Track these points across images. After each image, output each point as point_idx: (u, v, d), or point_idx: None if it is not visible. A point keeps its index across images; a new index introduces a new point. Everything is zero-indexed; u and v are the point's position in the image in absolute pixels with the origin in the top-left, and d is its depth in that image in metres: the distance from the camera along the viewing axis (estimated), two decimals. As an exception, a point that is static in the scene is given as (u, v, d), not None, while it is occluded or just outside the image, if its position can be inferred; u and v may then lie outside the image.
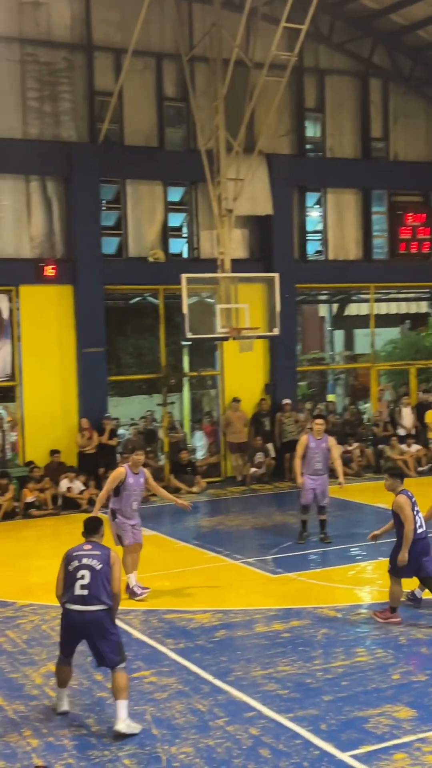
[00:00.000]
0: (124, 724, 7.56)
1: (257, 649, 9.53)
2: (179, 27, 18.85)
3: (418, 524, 10.02)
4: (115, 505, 11.55)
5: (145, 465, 18.78)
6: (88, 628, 7.76)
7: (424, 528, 10.12)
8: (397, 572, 10.08)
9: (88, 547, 8.08)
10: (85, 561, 7.89)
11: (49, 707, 8.21)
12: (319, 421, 14.24)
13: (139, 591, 11.38)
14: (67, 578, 7.92)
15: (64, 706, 8.09)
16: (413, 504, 10.05)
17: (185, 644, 9.72)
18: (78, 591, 7.77)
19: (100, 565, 7.86)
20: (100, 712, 8.08)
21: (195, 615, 10.69)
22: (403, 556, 9.88)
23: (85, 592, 7.75)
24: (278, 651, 9.40)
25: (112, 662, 7.76)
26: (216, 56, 18.09)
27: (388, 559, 10.24)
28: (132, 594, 11.29)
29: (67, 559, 8.03)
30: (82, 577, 7.80)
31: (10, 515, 16.87)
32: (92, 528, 8.28)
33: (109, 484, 11.54)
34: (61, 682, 8.14)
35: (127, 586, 11.21)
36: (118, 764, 7.12)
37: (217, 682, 8.63)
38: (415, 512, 10.03)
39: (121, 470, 11.52)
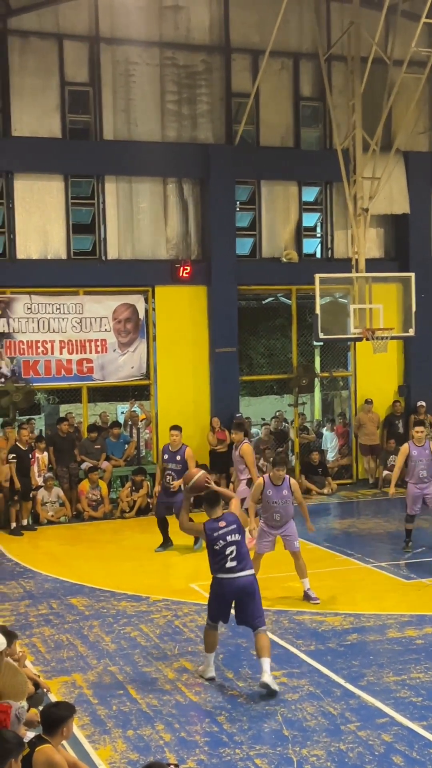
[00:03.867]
0: (269, 676, 8.33)
1: (390, 655, 9.40)
2: (317, 26, 18.75)
3: None
4: (260, 511, 11.71)
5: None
6: (240, 591, 8.67)
7: None
8: None
9: (223, 524, 8.82)
10: (228, 538, 8.72)
11: (182, 702, 8.33)
12: (419, 428, 13.71)
13: (312, 595, 11.32)
14: (217, 555, 8.73)
15: (211, 672, 8.86)
16: None
17: (316, 646, 9.68)
18: (229, 564, 8.68)
19: (239, 535, 8.77)
20: (231, 709, 8.13)
21: (326, 617, 10.63)
22: None
23: (235, 563, 8.68)
24: (411, 657, 9.24)
25: (260, 622, 8.67)
26: (354, 54, 17.91)
27: None
28: (306, 598, 11.31)
29: (209, 536, 8.77)
30: (231, 553, 8.70)
31: (144, 511, 17.19)
32: (214, 502, 9.00)
33: (252, 493, 11.85)
34: (210, 647, 8.91)
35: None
36: (249, 763, 7.15)
37: (349, 686, 8.56)
38: None
39: (260, 481, 11.63)
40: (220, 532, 8.74)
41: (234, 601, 8.74)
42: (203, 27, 19.10)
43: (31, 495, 16.38)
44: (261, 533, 11.55)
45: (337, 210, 20.12)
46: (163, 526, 14.36)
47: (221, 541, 8.69)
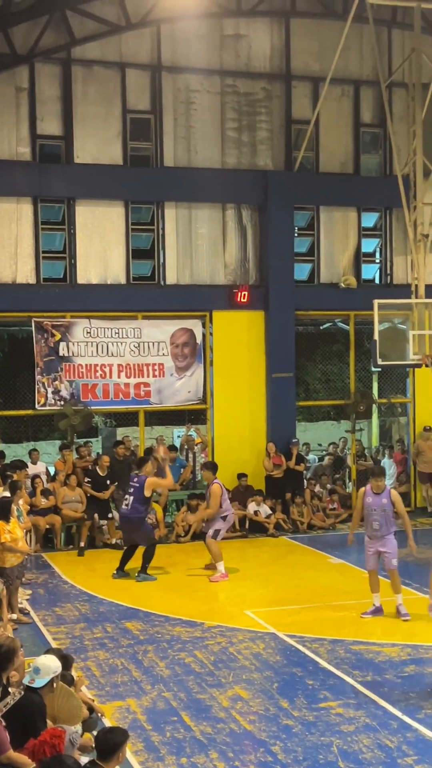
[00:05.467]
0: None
1: (448, 689, 9.22)
2: (378, 53, 18.78)
3: None
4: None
5: (332, 492, 18.85)
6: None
7: None
8: None
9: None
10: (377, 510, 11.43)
11: (237, 731, 8.25)
12: None
13: (403, 611, 11.67)
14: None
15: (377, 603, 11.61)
16: None
17: (373, 677, 9.54)
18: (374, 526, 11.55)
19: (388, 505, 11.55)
20: (286, 739, 8.03)
21: (383, 648, 10.48)
22: None
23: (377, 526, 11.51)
24: (470, 692, 9.05)
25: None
26: (415, 81, 17.90)
27: None
28: (398, 614, 11.68)
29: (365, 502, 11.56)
30: (375, 520, 11.52)
31: (199, 536, 17.13)
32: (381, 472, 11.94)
33: (357, 502, 12.27)
34: (374, 587, 11.67)
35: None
36: (304, 795, 7.05)
37: (406, 719, 8.41)
38: None
39: (362, 489, 12.14)
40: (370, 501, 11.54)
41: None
42: (264, 55, 19.25)
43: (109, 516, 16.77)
44: (365, 546, 11.99)
45: (396, 236, 20.03)
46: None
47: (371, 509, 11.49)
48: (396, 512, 11.84)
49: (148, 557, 14.19)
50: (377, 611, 11.84)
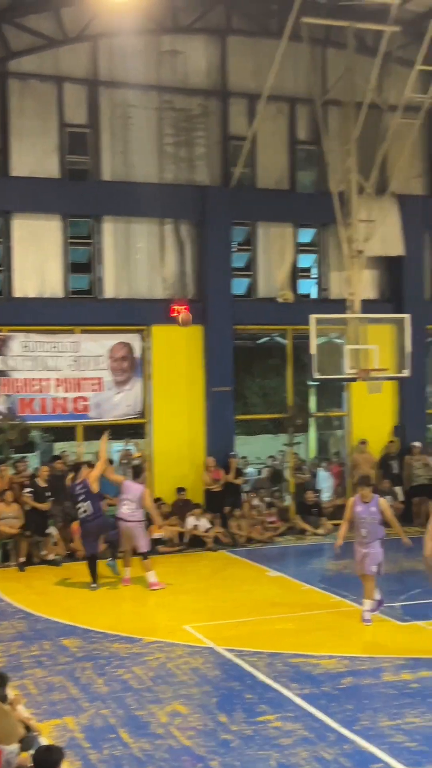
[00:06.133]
0: None
1: (385, 699, 9.33)
2: (313, 72, 19.05)
3: None
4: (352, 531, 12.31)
5: (271, 505, 18.99)
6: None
7: None
8: None
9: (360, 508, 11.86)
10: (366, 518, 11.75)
11: (175, 747, 8.24)
12: None
13: (367, 617, 11.95)
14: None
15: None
16: None
17: (311, 690, 9.60)
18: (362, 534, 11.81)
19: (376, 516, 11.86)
20: (225, 754, 8.05)
21: (321, 660, 10.56)
22: None
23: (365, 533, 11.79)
24: (407, 702, 9.17)
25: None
26: (349, 99, 18.20)
27: None
28: (362, 619, 11.94)
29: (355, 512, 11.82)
30: (364, 527, 11.79)
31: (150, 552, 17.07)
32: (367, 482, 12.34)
33: (346, 512, 12.36)
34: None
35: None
36: (242, 809, 7.06)
37: (344, 731, 8.48)
38: None
39: (351, 499, 12.39)
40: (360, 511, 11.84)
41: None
42: (200, 71, 19.40)
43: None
44: (355, 552, 12.21)
45: (332, 251, 20.29)
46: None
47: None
48: (385, 520, 12.16)
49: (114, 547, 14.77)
50: (380, 603, 12.19)
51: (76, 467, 16.01)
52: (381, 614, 12.37)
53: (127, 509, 14.57)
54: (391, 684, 9.73)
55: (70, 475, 15.82)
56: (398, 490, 19.64)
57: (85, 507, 14.53)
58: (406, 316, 18.10)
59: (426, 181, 21.30)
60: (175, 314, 18.10)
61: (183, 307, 18.41)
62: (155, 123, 19.08)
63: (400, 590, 13.73)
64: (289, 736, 8.41)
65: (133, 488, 14.80)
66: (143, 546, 14.53)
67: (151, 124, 19.04)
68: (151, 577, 14.33)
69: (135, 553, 14.63)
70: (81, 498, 14.56)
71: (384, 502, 12.40)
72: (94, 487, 14.58)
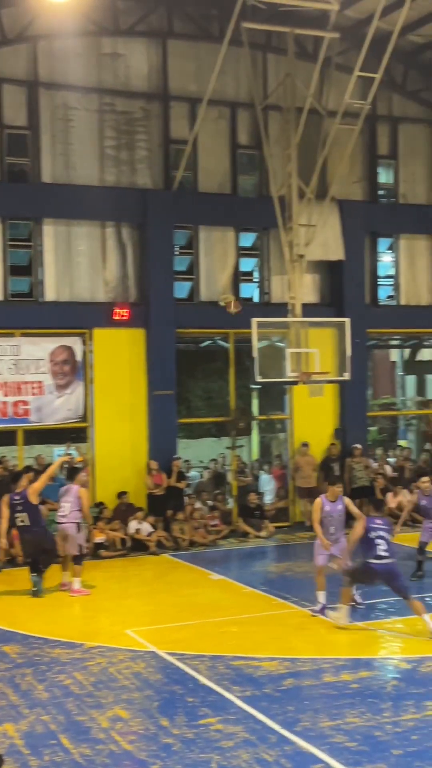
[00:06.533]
0: None
1: (325, 700, 9.39)
2: (253, 77, 19.16)
3: None
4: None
5: (213, 508, 19.02)
6: (388, 574, 11.33)
7: None
8: None
9: (380, 521, 11.61)
10: (381, 533, 11.38)
11: (116, 752, 8.20)
12: (425, 479, 14.87)
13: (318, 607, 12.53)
14: (369, 542, 11.34)
15: (345, 619, 11.80)
16: None
17: (252, 692, 9.63)
18: (380, 552, 11.30)
19: (388, 534, 11.42)
20: (166, 758, 8.03)
21: (262, 662, 10.59)
22: None
23: (386, 553, 11.30)
24: (347, 702, 9.25)
25: (408, 590, 11.45)
26: (289, 105, 18.33)
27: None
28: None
29: (368, 528, 11.42)
30: (380, 544, 11.31)
31: (83, 556, 16.94)
32: (379, 506, 12.61)
33: (315, 514, 12.82)
34: (346, 599, 11.77)
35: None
36: None
37: (285, 732, 8.52)
38: None
39: (318, 501, 12.87)
40: (375, 525, 11.56)
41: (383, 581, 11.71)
42: (141, 74, 19.38)
43: None
44: (318, 546, 12.74)
45: (274, 256, 20.41)
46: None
47: (374, 533, 11.41)
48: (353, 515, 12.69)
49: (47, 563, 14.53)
50: (323, 610, 12.41)
51: (16, 476, 15.79)
52: (322, 616, 12.47)
53: (63, 510, 14.54)
54: (332, 685, 9.81)
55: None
56: (339, 492, 19.76)
57: (22, 518, 14.41)
58: (347, 320, 18.28)
59: (365, 187, 21.55)
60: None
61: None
62: (96, 125, 19.01)
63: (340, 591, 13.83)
64: (231, 738, 8.42)
65: (71, 490, 14.73)
66: (74, 549, 14.42)
67: (92, 126, 18.97)
68: (76, 583, 14.26)
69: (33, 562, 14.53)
70: (18, 509, 14.42)
71: (348, 499, 13.08)
72: (33, 499, 14.46)
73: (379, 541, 11.33)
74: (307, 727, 8.63)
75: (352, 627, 11.90)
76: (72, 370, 18.53)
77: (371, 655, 10.91)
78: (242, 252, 20.51)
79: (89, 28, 18.60)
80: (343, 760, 7.86)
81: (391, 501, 19.42)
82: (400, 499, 19.11)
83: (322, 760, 7.88)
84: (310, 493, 19.91)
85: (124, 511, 18.04)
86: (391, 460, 22.18)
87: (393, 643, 11.42)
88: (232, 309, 18.10)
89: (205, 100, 18.35)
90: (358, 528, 11.57)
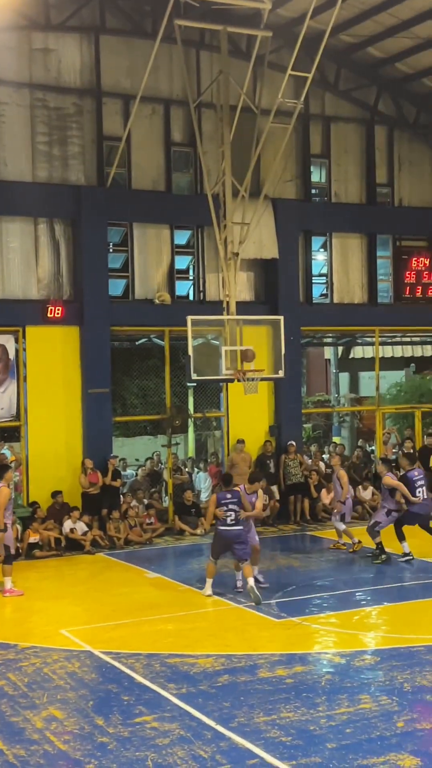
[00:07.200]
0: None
1: (260, 695, 9.43)
2: (187, 74, 19.14)
3: None
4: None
5: (149, 506, 18.92)
6: (230, 539, 13.23)
7: None
8: None
9: (230, 495, 13.34)
10: (231, 506, 13.23)
11: (51, 752, 8.12)
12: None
13: (261, 578, 13.92)
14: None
15: (209, 591, 13.36)
16: None
17: (188, 689, 9.63)
18: (229, 522, 13.25)
19: (237, 506, 13.24)
20: (101, 757, 7.98)
21: (198, 659, 10.60)
22: None
23: (233, 522, 13.21)
24: (281, 697, 9.30)
25: (246, 556, 13.15)
26: (223, 103, 18.35)
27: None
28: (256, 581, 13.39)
29: (219, 501, 13.31)
30: (230, 515, 13.24)
31: (13, 556, 16.75)
32: (227, 481, 13.98)
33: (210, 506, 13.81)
34: (210, 574, 13.48)
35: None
36: None
37: (220, 728, 8.54)
38: None
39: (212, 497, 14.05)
40: (225, 500, 13.37)
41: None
42: (74, 70, 19.21)
43: None
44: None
45: (208, 253, 20.43)
46: None
47: (224, 507, 13.29)
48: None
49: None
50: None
51: None
52: (257, 611, 12.53)
53: None
54: (267, 680, 9.86)
55: None
56: (274, 488, 19.92)
57: None
58: (281, 318, 18.37)
59: (299, 185, 21.72)
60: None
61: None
62: (28, 121, 18.79)
63: (276, 587, 13.94)
64: (166, 736, 8.41)
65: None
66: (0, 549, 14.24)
67: (24, 122, 18.74)
68: (7, 583, 14.09)
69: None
70: None
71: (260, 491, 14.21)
72: None
73: (228, 513, 13.27)
74: (243, 722, 8.66)
75: (282, 623, 12.00)
76: (4, 368, 18.30)
77: (306, 650, 10.99)
78: (177, 249, 20.48)
79: (20, 22, 18.38)
80: (278, 754, 7.91)
81: (325, 497, 19.62)
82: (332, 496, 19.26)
83: (258, 755, 7.91)
84: (246, 490, 20.00)
85: (59, 511, 17.88)
86: (325, 456, 22.39)
87: (327, 637, 11.53)
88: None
89: (138, 96, 18.28)
90: (211, 504, 13.54)
